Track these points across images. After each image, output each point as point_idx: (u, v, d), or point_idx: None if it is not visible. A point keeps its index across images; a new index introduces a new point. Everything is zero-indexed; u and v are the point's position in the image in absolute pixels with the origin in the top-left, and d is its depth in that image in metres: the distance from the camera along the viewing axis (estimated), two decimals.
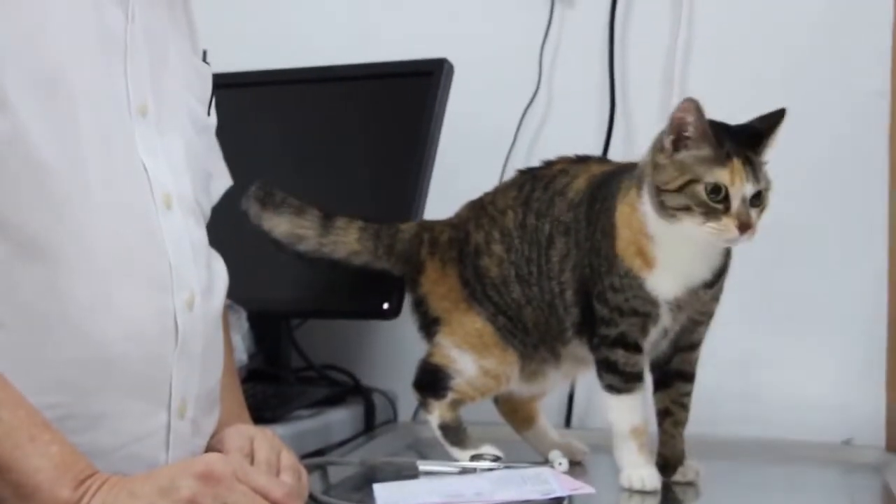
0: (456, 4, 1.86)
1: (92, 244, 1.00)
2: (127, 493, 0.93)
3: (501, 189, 1.45)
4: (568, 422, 1.75)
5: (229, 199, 1.31)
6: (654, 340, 1.31)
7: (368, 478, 1.31)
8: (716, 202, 1.20)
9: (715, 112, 1.23)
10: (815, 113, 1.64)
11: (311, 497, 1.16)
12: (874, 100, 1.64)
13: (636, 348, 1.30)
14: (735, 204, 1.20)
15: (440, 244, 1.45)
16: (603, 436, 1.36)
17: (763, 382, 1.68)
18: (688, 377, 1.34)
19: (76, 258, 0.99)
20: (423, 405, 1.43)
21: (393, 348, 1.79)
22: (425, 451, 1.55)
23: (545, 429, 1.48)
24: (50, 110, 0.99)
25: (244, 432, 1.15)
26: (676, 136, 1.23)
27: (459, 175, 1.71)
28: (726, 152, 1.21)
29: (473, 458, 1.36)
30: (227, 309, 1.27)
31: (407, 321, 1.48)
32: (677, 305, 1.28)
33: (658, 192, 1.23)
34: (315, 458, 1.40)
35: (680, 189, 1.21)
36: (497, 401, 1.48)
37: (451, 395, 1.40)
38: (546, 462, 1.38)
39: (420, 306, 1.45)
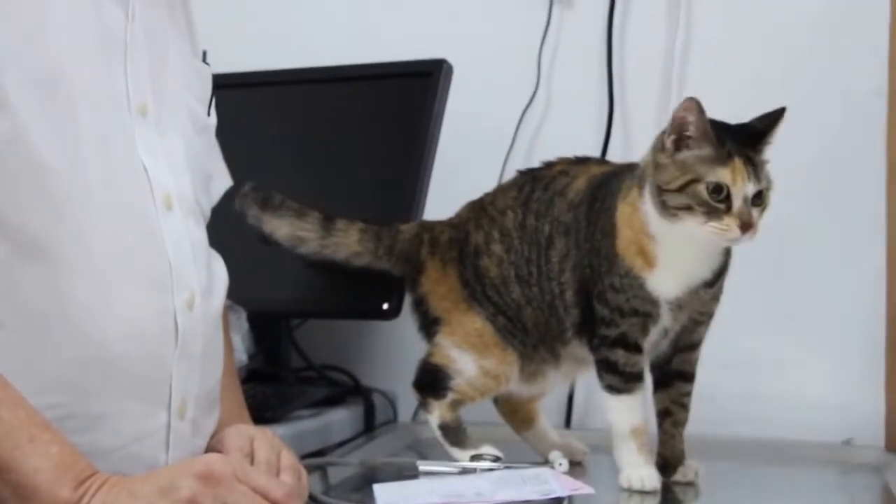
0: (455, 5, 1.86)
1: (92, 244, 1.00)
2: (127, 494, 0.93)
3: (501, 189, 1.45)
4: (568, 422, 1.75)
5: (229, 200, 1.31)
6: (655, 340, 1.31)
7: (368, 478, 1.31)
8: (717, 202, 1.20)
9: (713, 112, 1.23)
10: (813, 113, 1.63)
11: (311, 497, 1.16)
12: (872, 99, 1.64)
13: (636, 348, 1.30)
14: (737, 203, 1.20)
15: (440, 244, 1.45)
16: (603, 436, 1.36)
17: (763, 382, 1.68)
18: (688, 377, 1.34)
19: (76, 258, 0.99)
20: (423, 405, 1.43)
21: (393, 348, 1.79)
22: (425, 451, 1.55)
23: (545, 429, 1.47)
24: (50, 110, 0.99)
25: (244, 432, 1.15)
26: (678, 135, 1.23)
27: (459, 175, 1.71)
28: (728, 152, 1.21)
29: (473, 458, 1.36)
30: (227, 309, 1.27)
31: (407, 321, 1.48)
32: (678, 305, 1.28)
33: (659, 191, 1.23)
34: (315, 458, 1.40)
35: (681, 188, 1.21)
36: (497, 401, 1.48)
37: (451, 396, 1.40)
38: (546, 462, 1.38)
39: (420, 306, 1.45)
